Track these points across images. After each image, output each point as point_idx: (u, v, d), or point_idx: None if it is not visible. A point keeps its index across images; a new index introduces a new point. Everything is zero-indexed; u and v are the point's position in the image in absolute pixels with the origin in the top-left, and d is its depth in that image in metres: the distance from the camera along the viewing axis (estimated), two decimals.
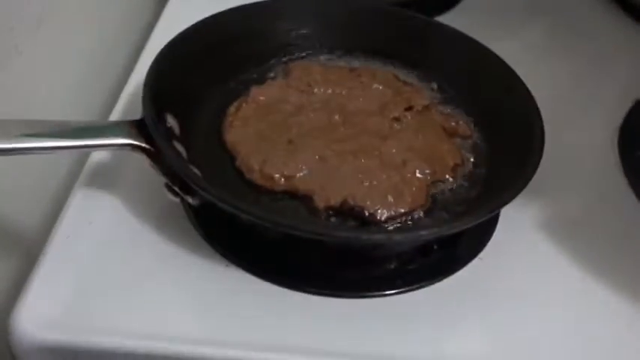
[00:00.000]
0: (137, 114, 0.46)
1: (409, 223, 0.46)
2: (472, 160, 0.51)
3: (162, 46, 0.50)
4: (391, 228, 0.45)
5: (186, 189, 0.44)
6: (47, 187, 0.56)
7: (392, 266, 0.46)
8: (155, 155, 0.44)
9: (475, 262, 0.47)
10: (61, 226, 0.46)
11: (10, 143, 0.41)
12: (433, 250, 0.46)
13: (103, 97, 0.61)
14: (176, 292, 0.44)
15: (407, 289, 0.45)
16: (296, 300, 0.44)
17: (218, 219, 0.45)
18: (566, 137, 0.54)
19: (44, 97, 0.54)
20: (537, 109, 0.49)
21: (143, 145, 0.44)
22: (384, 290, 0.44)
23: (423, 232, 0.41)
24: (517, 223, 0.49)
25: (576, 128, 0.58)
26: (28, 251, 0.49)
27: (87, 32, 0.60)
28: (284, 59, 0.58)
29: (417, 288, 0.45)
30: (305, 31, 0.58)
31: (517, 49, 0.61)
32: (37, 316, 0.41)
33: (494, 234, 0.48)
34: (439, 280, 0.45)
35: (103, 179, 0.50)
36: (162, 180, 0.45)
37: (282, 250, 0.45)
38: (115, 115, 0.54)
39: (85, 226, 0.47)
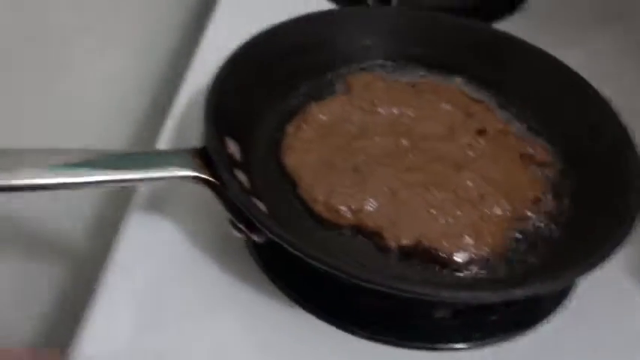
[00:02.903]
0: (184, 141, 0.42)
1: (490, 267, 0.42)
2: (551, 192, 0.47)
3: (206, 66, 0.46)
4: (470, 274, 0.41)
5: (252, 227, 0.40)
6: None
7: (469, 316, 0.42)
8: (219, 188, 0.40)
9: (561, 311, 0.43)
10: (116, 255, 0.43)
11: (51, 177, 0.36)
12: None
13: (129, 125, 0.56)
14: (238, 331, 0.41)
15: (484, 341, 0.41)
16: (362, 348, 0.41)
17: (282, 256, 0.41)
18: None
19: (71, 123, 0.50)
20: (632, 141, 0.45)
21: (208, 177, 0.40)
22: (458, 342, 0.41)
23: (519, 292, 0.37)
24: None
25: None
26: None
27: (117, 55, 0.55)
28: (342, 72, 0.54)
29: (496, 342, 0.41)
30: (368, 42, 0.55)
31: (585, 58, 0.56)
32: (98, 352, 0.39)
33: None
34: (521, 334, 0.41)
35: (158, 204, 0.46)
36: (220, 209, 0.41)
37: (351, 293, 0.42)
38: (162, 143, 0.50)
39: (141, 257, 0.44)
